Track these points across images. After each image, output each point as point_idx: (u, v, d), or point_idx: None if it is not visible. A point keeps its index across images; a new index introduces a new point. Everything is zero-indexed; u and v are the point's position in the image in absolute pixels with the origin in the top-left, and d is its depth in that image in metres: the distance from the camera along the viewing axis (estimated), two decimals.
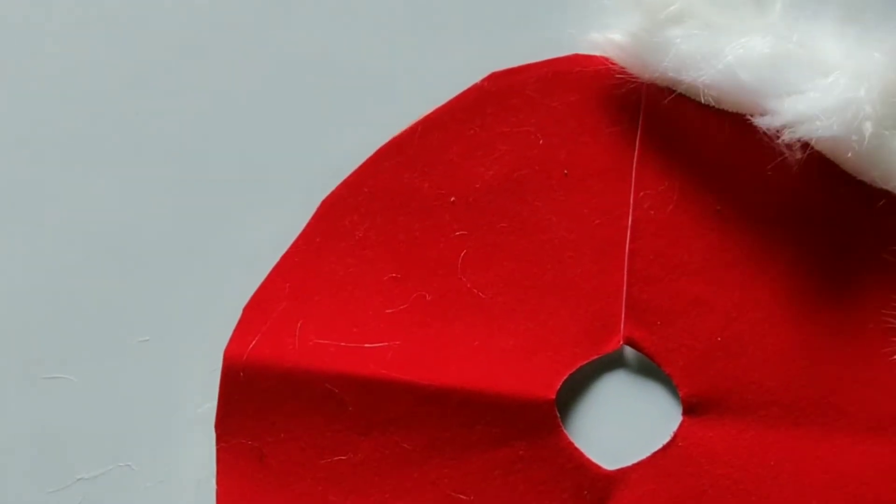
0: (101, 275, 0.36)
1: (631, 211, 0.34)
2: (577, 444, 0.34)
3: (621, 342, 0.34)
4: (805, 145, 0.32)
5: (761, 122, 0.32)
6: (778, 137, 0.31)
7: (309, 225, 0.35)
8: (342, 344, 0.34)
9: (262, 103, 0.37)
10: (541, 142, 0.35)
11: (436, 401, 0.33)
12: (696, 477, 0.33)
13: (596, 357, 0.34)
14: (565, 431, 0.33)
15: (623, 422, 0.34)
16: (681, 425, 0.33)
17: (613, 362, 0.35)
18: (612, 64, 0.34)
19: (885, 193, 0.33)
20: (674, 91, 0.33)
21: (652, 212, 0.34)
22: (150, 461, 0.35)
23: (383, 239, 0.35)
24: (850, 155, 0.31)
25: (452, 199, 0.35)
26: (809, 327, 0.33)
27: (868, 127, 0.31)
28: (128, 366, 0.36)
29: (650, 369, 0.34)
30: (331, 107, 0.36)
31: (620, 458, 0.34)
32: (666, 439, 0.33)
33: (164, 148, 0.37)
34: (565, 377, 0.34)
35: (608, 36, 0.34)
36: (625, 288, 0.34)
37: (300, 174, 0.36)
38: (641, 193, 0.34)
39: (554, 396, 0.33)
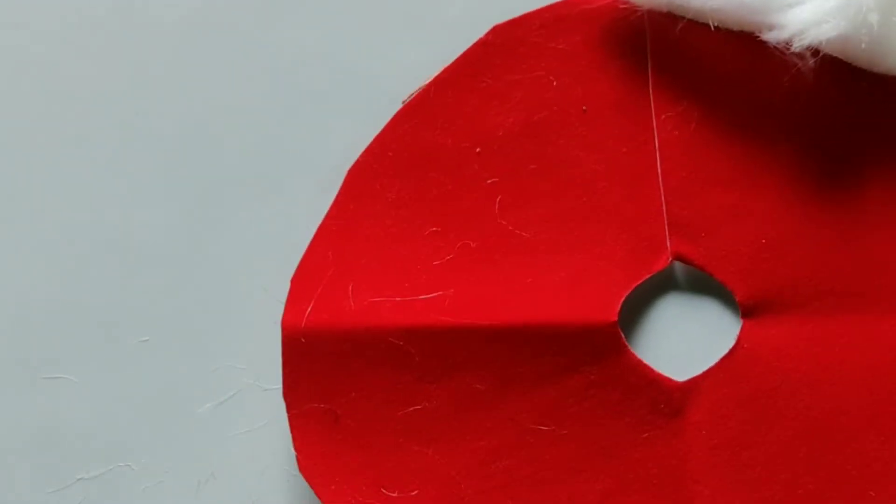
0: (101, 275, 0.36)
1: (656, 134, 0.34)
2: (646, 360, 0.34)
3: (670, 258, 0.34)
4: (816, 51, 0.32)
5: (770, 37, 0.32)
6: (788, 49, 0.32)
7: (340, 194, 0.35)
8: (397, 299, 0.34)
9: (262, 97, 0.37)
10: (554, 83, 0.35)
11: (500, 339, 0.34)
12: (765, 375, 0.33)
13: (648, 276, 0.34)
14: (632, 351, 0.34)
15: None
16: (742, 329, 0.34)
17: (666, 279, 0.35)
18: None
19: None
20: (679, 17, 0.34)
21: (676, 132, 0.34)
22: (150, 461, 0.35)
23: (417, 196, 0.35)
24: (863, 46, 0.32)
25: (478, 149, 0.35)
26: (848, 218, 0.34)
27: (874, 17, 0.31)
28: (128, 366, 0.36)
29: (703, 281, 0.34)
30: (325, 104, 0.37)
31: (689, 369, 0.34)
32: (730, 345, 0.34)
33: (163, 144, 0.37)
34: (623, 298, 0.34)
35: None
36: (664, 207, 0.34)
37: (301, 175, 0.36)
38: (663, 117, 0.34)
39: (616, 318, 0.34)
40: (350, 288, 0.34)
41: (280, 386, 0.35)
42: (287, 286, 0.35)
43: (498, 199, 0.35)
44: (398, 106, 0.35)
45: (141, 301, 0.36)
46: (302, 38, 0.37)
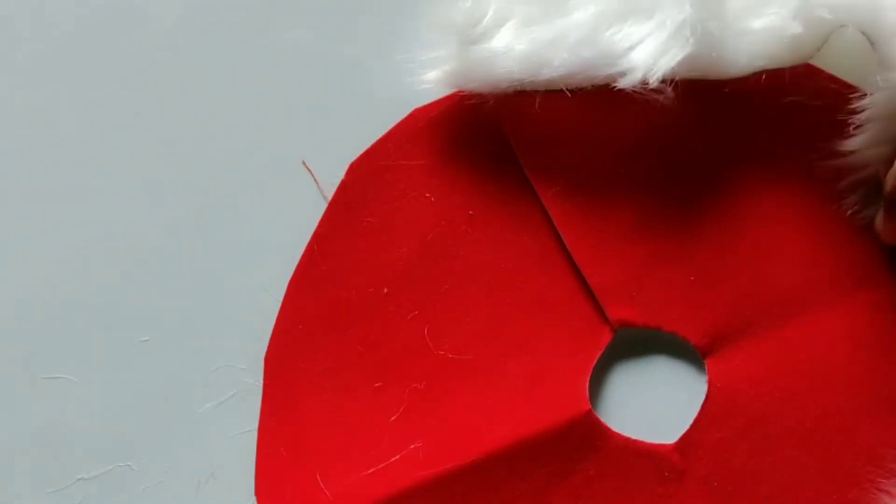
0: (101, 275, 0.36)
1: (551, 210, 0.34)
2: (630, 435, 0.34)
3: (615, 329, 0.34)
4: (671, 81, 0.32)
5: (624, 84, 0.32)
6: (646, 87, 0.32)
7: (266, 387, 0.35)
8: (371, 471, 0.34)
9: (263, 98, 0.37)
10: (432, 198, 0.35)
11: (487, 471, 0.33)
12: (749, 405, 0.33)
13: (600, 354, 0.34)
14: (616, 432, 0.34)
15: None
16: (709, 370, 0.34)
17: (617, 350, 0.35)
18: (455, 96, 0.35)
19: (759, 84, 0.34)
20: (530, 94, 0.34)
21: (567, 205, 0.34)
22: (150, 461, 0.35)
23: (344, 359, 0.35)
24: (713, 55, 0.32)
25: (385, 290, 0.35)
26: (752, 230, 0.34)
27: (713, 25, 0.32)
28: (128, 366, 0.36)
29: (652, 338, 0.34)
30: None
31: (675, 428, 0.34)
32: (704, 390, 0.34)
33: (163, 144, 0.37)
34: (587, 384, 0.34)
35: (441, 70, 0.34)
36: (586, 280, 0.34)
37: (301, 175, 0.36)
38: (549, 194, 0.34)
39: (588, 406, 0.34)
40: (318, 478, 0.34)
41: None
42: (286, 286, 0.35)
43: (426, 331, 0.34)
44: (396, 110, 0.35)
45: (141, 301, 0.36)
46: (303, 38, 0.37)
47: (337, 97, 0.37)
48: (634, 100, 0.33)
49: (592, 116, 0.34)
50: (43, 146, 0.37)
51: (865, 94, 0.32)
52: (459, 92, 0.35)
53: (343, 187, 0.35)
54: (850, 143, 0.32)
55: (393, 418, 0.34)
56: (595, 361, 0.34)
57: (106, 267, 0.36)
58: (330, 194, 0.36)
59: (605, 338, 0.34)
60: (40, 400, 0.36)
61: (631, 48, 0.32)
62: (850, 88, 0.33)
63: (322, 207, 0.36)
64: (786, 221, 0.34)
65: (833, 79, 0.34)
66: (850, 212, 0.33)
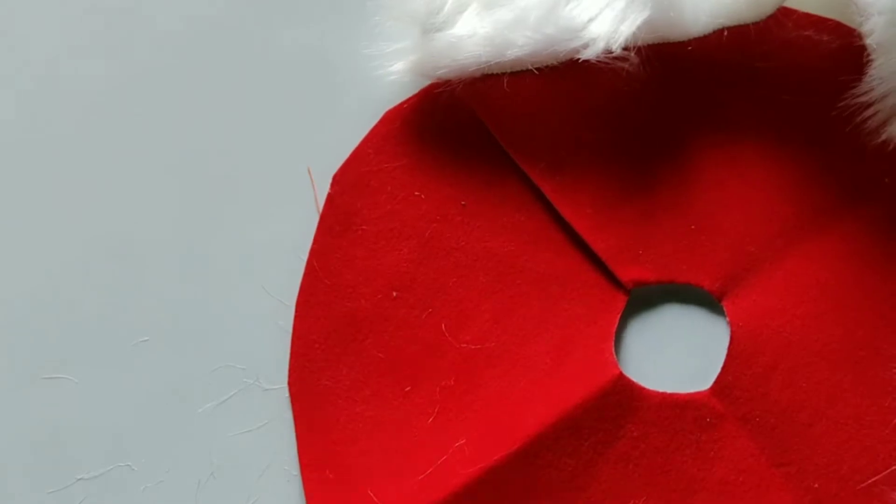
0: (101, 275, 0.36)
1: (542, 186, 0.35)
2: (664, 390, 0.34)
3: (629, 289, 0.34)
4: (634, 47, 0.33)
5: (588, 56, 0.33)
6: (610, 56, 0.33)
7: (296, 411, 0.34)
8: (420, 478, 0.34)
9: (264, 99, 0.37)
10: (422, 196, 0.35)
11: (537, 453, 0.33)
12: (775, 338, 0.34)
13: (619, 316, 0.34)
14: (650, 389, 0.34)
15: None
16: (728, 312, 0.34)
17: (635, 309, 0.35)
18: (424, 90, 0.35)
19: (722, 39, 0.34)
20: (498, 76, 0.34)
21: (557, 178, 0.35)
22: (150, 461, 0.35)
23: (368, 370, 0.35)
24: (673, 16, 0.33)
25: (394, 294, 0.35)
26: (739, 174, 0.34)
27: None
28: (128, 366, 0.36)
29: (666, 292, 0.35)
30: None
31: (706, 375, 0.34)
32: (727, 333, 0.34)
33: (163, 144, 0.37)
34: (612, 349, 0.34)
35: (407, 61, 0.34)
36: (592, 245, 0.34)
37: (301, 175, 0.36)
38: (536, 171, 0.35)
39: (619, 369, 0.34)
40: (371, 494, 0.34)
41: (280, 386, 0.35)
42: (287, 286, 0.35)
43: (443, 327, 0.34)
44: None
45: (141, 301, 0.36)
46: (302, 38, 0.37)
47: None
48: (602, 69, 0.33)
49: (564, 90, 0.35)
50: (45, 148, 0.37)
51: (844, 27, 0.33)
52: (429, 85, 0.35)
53: (331, 200, 0.35)
54: (868, 80, 0.32)
55: (430, 420, 0.34)
56: (615, 325, 0.34)
57: (106, 267, 0.36)
58: (317, 198, 0.36)
59: (621, 300, 0.34)
60: (40, 400, 0.36)
61: (591, 20, 0.33)
62: (827, 23, 0.34)
63: (319, 208, 0.36)
64: (769, 159, 0.34)
65: (809, 17, 0.34)
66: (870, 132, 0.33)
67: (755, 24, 0.33)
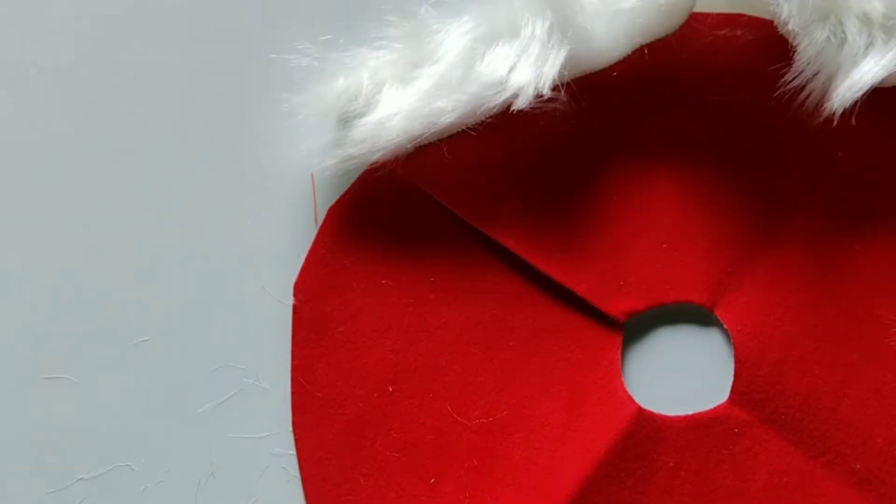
0: (101, 275, 0.36)
1: (506, 242, 0.34)
2: (685, 412, 0.34)
3: (621, 323, 0.34)
4: (563, 85, 0.33)
5: (519, 105, 0.32)
6: (540, 100, 0.32)
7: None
8: None
9: (263, 98, 0.37)
10: (389, 284, 0.35)
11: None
12: (774, 332, 0.34)
13: (620, 352, 0.34)
14: (672, 416, 0.34)
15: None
16: (724, 321, 0.34)
17: (634, 339, 0.35)
18: (362, 177, 0.35)
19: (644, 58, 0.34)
20: (433, 144, 0.34)
21: (520, 229, 0.34)
22: (150, 461, 0.35)
23: (387, 471, 0.34)
24: (593, 47, 0.33)
25: (390, 389, 0.34)
26: (696, 188, 0.34)
27: (581, 21, 0.32)
28: (128, 366, 0.36)
29: (661, 314, 0.35)
30: None
31: (720, 386, 0.34)
32: (728, 341, 0.34)
33: (163, 143, 0.37)
34: (623, 386, 0.34)
35: (339, 155, 0.34)
36: (573, 288, 0.34)
37: (300, 175, 0.36)
38: (496, 226, 0.34)
39: (637, 405, 0.34)
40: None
41: (280, 386, 0.35)
42: (287, 286, 0.35)
43: (450, 408, 0.34)
44: None
45: (141, 301, 0.36)
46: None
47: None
48: (536, 114, 0.33)
49: (502, 142, 0.34)
50: (43, 146, 0.37)
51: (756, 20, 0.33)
52: (365, 171, 0.34)
53: (297, 310, 0.35)
54: (795, 64, 0.32)
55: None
56: (619, 361, 0.34)
57: (106, 267, 0.36)
58: (315, 199, 0.36)
59: (617, 335, 0.34)
60: (40, 400, 0.36)
61: (511, 70, 0.32)
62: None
63: (322, 207, 0.36)
64: (721, 161, 0.34)
65: (720, 16, 0.34)
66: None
67: (672, 35, 0.33)
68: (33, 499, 0.35)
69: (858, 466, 0.33)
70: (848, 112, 0.32)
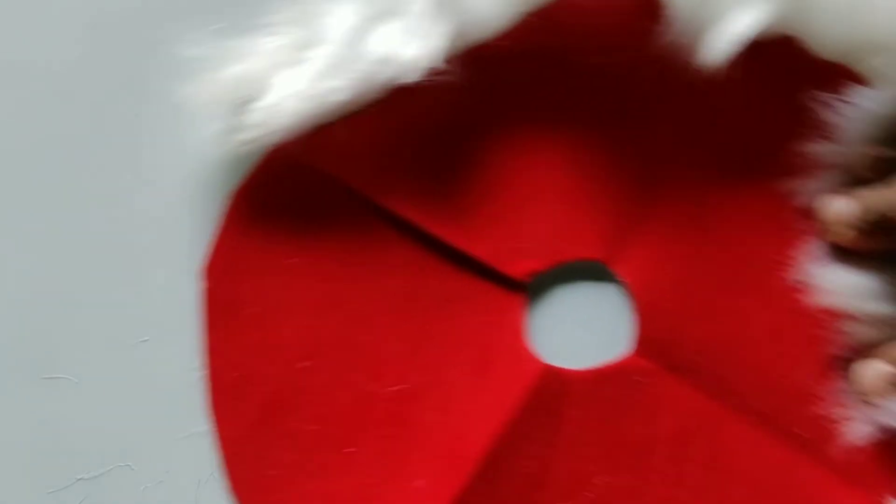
0: (101, 275, 0.36)
1: (406, 214, 0.35)
2: (590, 366, 0.35)
3: (524, 284, 0.35)
4: (452, 57, 0.33)
5: (410, 79, 0.33)
6: (431, 73, 0.33)
7: None
8: None
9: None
10: (297, 261, 0.35)
11: (496, 468, 0.34)
12: (672, 281, 0.35)
13: (524, 312, 0.35)
14: (578, 370, 0.34)
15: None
16: (622, 275, 0.35)
17: (538, 298, 0.36)
18: (264, 159, 0.35)
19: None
20: (330, 123, 0.34)
21: (417, 200, 0.35)
22: (150, 461, 0.35)
23: (307, 443, 0.34)
24: (478, 16, 0.33)
25: (306, 363, 0.35)
26: (577, 150, 0.35)
27: None
28: (128, 366, 0.36)
29: (562, 272, 0.36)
30: None
31: (622, 337, 0.34)
32: (628, 293, 0.35)
33: (163, 143, 0.37)
34: (529, 344, 0.35)
35: (234, 139, 0.34)
36: (473, 253, 0.35)
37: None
38: (395, 199, 0.35)
39: (542, 362, 0.34)
40: None
41: None
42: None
43: (364, 379, 0.34)
44: None
45: (141, 301, 0.36)
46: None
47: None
48: (427, 86, 0.33)
49: (395, 115, 0.35)
50: (43, 145, 0.37)
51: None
52: (266, 154, 0.35)
53: (209, 293, 0.35)
54: (667, 19, 0.33)
55: (382, 472, 0.34)
56: (523, 321, 0.35)
57: (106, 267, 0.36)
58: None
59: (521, 296, 0.35)
60: (40, 400, 0.36)
61: (400, 45, 0.33)
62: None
63: None
64: (606, 123, 0.35)
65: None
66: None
67: (552, 1, 0.34)
68: (33, 499, 0.35)
69: (764, 408, 0.33)
70: (721, 64, 0.32)
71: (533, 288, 0.35)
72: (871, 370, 0.32)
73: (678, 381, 0.34)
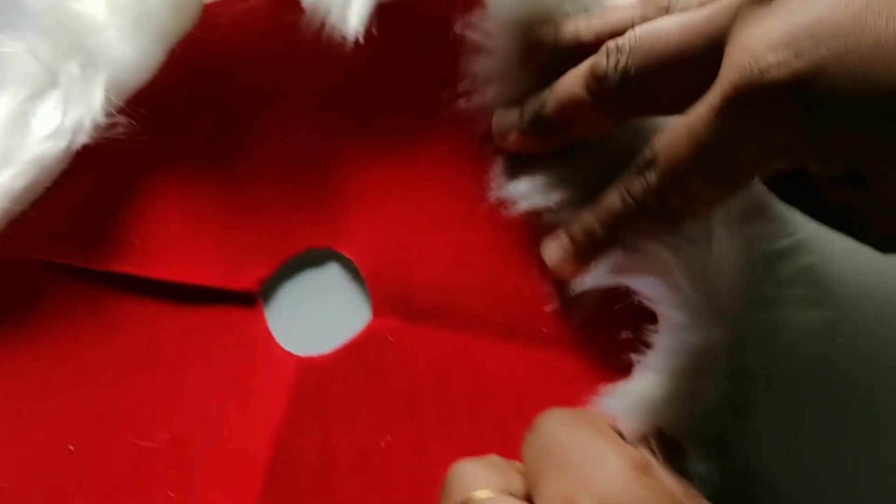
0: None
1: (138, 271, 0.36)
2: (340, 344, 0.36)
3: (257, 291, 0.36)
4: (123, 106, 0.35)
5: (79, 143, 0.34)
6: (101, 129, 0.35)
7: None
8: None
9: None
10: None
11: (285, 470, 0.34)
12: (392, 244, 0.36)
13: (264, 316, 0.36)
14: (330, 352, 0.36)
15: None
16: (346, 252, 0.36)
17: (273, 300, 0.37)
18: None
19: None
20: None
21: (132, 254, 0.36)
22: None
23: None
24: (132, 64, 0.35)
25: (71, 447, 0.35)
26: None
27: (109, 32, 0.35)
28: None
29: (293, 265, 0.37)
30: None
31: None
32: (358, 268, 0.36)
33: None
34: (278, 345, 0.36)
35: None
36: (191, 281, 0.36)
37: None
38: (112, 261, 0.36)
39: (295, 357, 0.36)
40: None
41: None
42: None
43: (132, 438, 0.34)
44: None
45: None
46: None
47: None
48: (104, 143, 0.35)
49: (84, 180, 0.36)
50: None
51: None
52: None
53: None
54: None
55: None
56: (267, 326, 0.36)
57: None
58: None
59: (257, 304, 0.36)
60: None
61: (62, 114, 0.34)
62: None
63: None
64: (280, 125, 0.37)
65: None
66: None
67: (196, 27, 0.36)
68: None
69: (500, 320, 0.35)
70: (360, 34, 0.35)
71: (266, 293, 0.36)
72: (552, 244, 0.34)
73: (423, 328, 0.36)
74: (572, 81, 0.33)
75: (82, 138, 0.34)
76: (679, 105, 0.30)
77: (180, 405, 0.35)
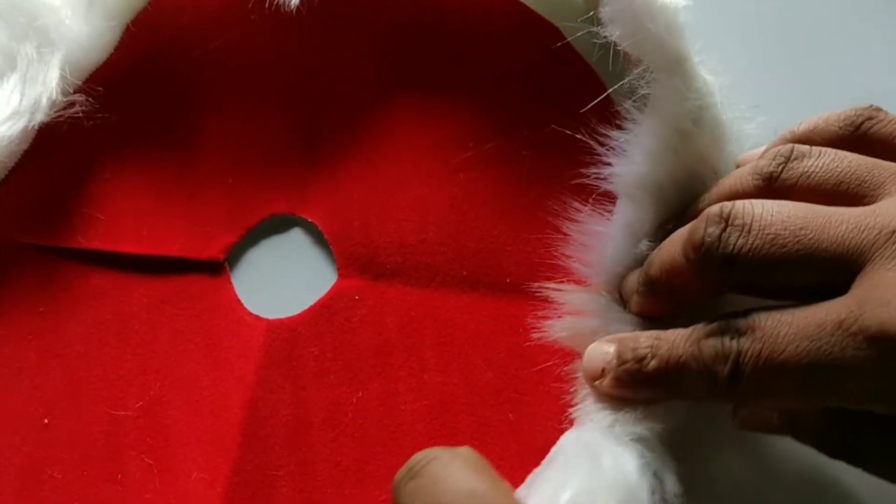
0: None
1: (104, 245, 0.36)
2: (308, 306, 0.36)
3: (223, 258, 0.37)
4: (82, 85, 0.37)
5: (38, 120, 0.35)
6: (60, 108, 0.36)
7: None
8: None
9: None
10: None
11: (256, 434, 0.35)
12: (354, 201, 0.37)
13: (231, 284, 0.37)
14: (299, 313, 0.36)
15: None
16: (311, 217, 0.37)
17: (241, 267, 0.37)
18: None
19: None
20: None
21: (97, 230, 0.37)
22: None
23: None
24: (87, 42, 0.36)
25: (46, 421, 0.35)
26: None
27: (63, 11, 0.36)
28: None
29: (258, 232, 0.37)
30: None
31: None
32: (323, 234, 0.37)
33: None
34: (246, 310, 0.36)
35: None
36: (158, 253, 0.36)
37: None
38: (78, 238, 0.36)
39: (264, 320, 0.36)
40: None
41: None
42: None
43: (106, 407, 0.35)
44: None
45: None
46: None
47: None
48: (66, 121, 0.36)
49: (48, 160, 0.37)
50: None
51: None
52: None
53: None
54: None
55: (159, 482, 0.34)
56: (234, 291, 0.36)
57: None
58: None
59: (224, 271, 0.37)
60: None
61: (20, 95, 0.35)
62: None
63: None
64: (245, 103, 0.38)
65: None
66: None
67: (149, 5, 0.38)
68: None
69: (465, 273, 0.36)
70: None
71: (232, 259, 0.37)
72: (597, 351, 0.32)
73: (389, 285, 0.36)
74: (674, 242, 0.30)
75: (39, 117, 0.35)
76: (781, 294, 0.28)
77: (152, 373, 0.35)
